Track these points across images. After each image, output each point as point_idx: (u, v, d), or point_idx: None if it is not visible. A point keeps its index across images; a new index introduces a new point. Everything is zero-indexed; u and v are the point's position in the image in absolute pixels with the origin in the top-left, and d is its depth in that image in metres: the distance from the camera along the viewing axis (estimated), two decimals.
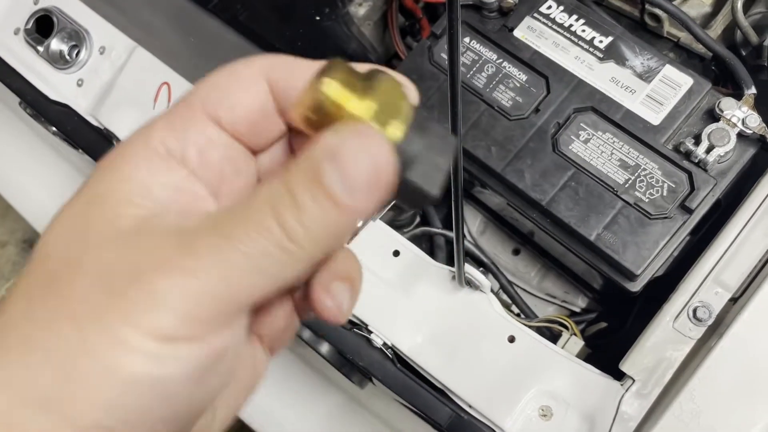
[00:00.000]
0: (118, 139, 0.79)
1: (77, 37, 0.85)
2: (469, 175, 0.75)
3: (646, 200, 0.66)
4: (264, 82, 0.28)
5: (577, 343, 0.75)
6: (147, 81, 0.80)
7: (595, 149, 0.68)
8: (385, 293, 0.68)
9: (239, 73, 0.28)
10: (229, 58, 0.83)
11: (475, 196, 0.88)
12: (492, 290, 0.70)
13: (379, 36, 1.04)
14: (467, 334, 0.65)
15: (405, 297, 0.67)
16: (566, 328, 0.79)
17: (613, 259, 0.66)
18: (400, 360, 0.67)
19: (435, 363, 0.65)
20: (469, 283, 0.65)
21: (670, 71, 0.69)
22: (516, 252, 0.92)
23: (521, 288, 0.89)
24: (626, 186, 0.67)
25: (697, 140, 0.66)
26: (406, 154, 0.25)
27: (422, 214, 0.89)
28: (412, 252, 0.70)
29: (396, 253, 0.70)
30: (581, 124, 0.69)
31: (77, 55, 0.85)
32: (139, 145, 0.26)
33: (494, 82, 0.73)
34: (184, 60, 0.82)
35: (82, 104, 0.83)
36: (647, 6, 0.78)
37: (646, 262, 0.65)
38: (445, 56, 0.75)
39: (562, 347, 0.74)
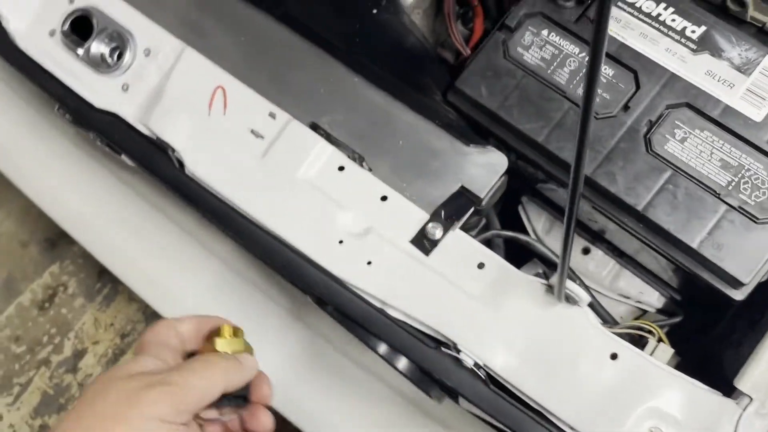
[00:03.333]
0: (173, 149, 0.74)
1: (119, 39, 0.80)
2: (548, 176, 0.71)
3: (752, 203, 0.62)
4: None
5: (666, 351, 0.72)
6: (199, 85, 0.75)
7: (693, 149, 0.64)
8: (472, 309, 0.64)
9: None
10: (283, 56, 0.77)
11: (539, 192, 0.83)
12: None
13: (430, 25, 0.98)
14: (565, 352, 0.61)
15: (494, 312, 0.64)
16: (651, 333, 0.75)
17: (717, 267, 0.62)
18: (492, 379, 0.63)
19: (531, 383, 0.61)
20: (568, 298, 0.61)
21: None
22: (586, 251, 0.87)
23: (594, 290, 0.86)
24: (729, 188, 0.62)
25: None
26: None
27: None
28: (498, 264, 0.66)
29: (481, 266, 0.66)
30: (676, 122, 0.65)
31: (120, 57, 0.80)
32: None
33: (578, 78, 0.68)
34: (236, 60, 0.77)
35: (128, 111, 0.78)
36: None
37: (755, 270, 0.61)
38: (521, 51, 0.70)
39: (652, 356, 0.71)
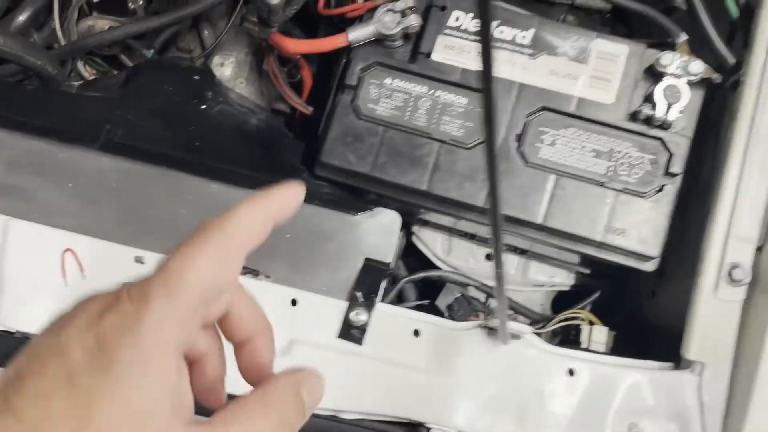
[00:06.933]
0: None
1: None
2: (452, 217, 0.70)
3: (634, 181, 0.64)
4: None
5: (602, 331, 0.74)
6: (44, 257, 0.65)
7: (565, 147, 0.65)
8: (425, 383, 0.62)
9: (231, 266, 0.31)
10: (124, 189, 0.69)
11: (426, 221, 0.82)
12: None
13: (257, 89, 0.93)
14: (527, 386, 0.61)
15: (447, 377, 0.62)
16: (582, 319, 0.77)
17: (627, 250, 0.64)
18: None
19: (509, 430, 0.60)
20: (512, 336, 0.61)
21: (602, 45, 0.67)
22: (489, 257, 0.88)
23: (510, 288, 0.87)
24: (609, 174, 0.65)
25: (653, 104, 0.65)
26: None
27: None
28: (432, 324, 0.64)
29: (416, 333, 0.64)
30: (540, 128, 0.66)
31: None
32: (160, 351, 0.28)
33: (436, 116, 0.67)
34: (75, 213, 0.68)
35: None
36: None
37: (660, 241, 0.64)
38: (372, 106, 0.68)
39: (589, 340, 0.73)
